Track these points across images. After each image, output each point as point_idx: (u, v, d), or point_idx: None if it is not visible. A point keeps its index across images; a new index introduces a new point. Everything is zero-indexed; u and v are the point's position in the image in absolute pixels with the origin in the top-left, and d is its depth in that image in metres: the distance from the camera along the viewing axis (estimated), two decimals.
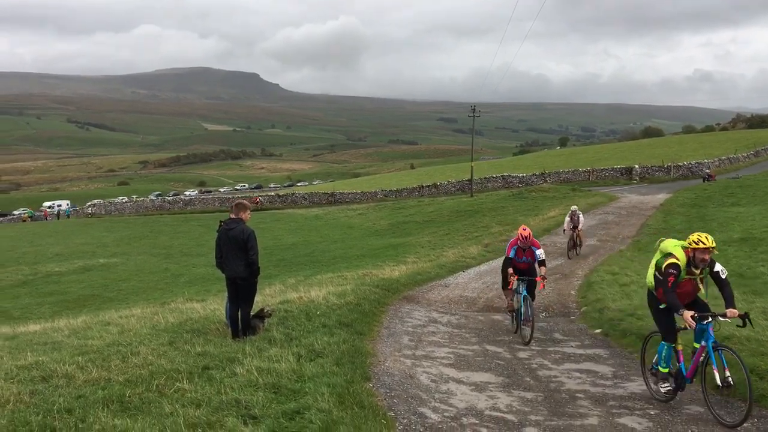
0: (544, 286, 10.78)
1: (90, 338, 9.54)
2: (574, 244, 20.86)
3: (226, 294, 9.25)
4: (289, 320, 9.92)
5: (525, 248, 10.81)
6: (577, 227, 20.88)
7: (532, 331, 10.18)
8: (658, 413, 6.67)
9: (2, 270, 33.90)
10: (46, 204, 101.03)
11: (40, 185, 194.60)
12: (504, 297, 11.96)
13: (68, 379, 6.96)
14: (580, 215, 21.13)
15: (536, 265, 10.94)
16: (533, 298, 10.83)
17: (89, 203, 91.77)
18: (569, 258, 20.19)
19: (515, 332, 10.95)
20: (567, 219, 21.29)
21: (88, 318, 13.33)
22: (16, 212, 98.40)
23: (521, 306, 10.62)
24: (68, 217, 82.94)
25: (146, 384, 6.70)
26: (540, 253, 10.73)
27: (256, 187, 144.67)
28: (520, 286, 10.74)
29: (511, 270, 10.83)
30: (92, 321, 12.22)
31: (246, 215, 8.93)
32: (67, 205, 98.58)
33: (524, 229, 10.76)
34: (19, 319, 18.78)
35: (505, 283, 11.28)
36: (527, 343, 10.00)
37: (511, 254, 10.94)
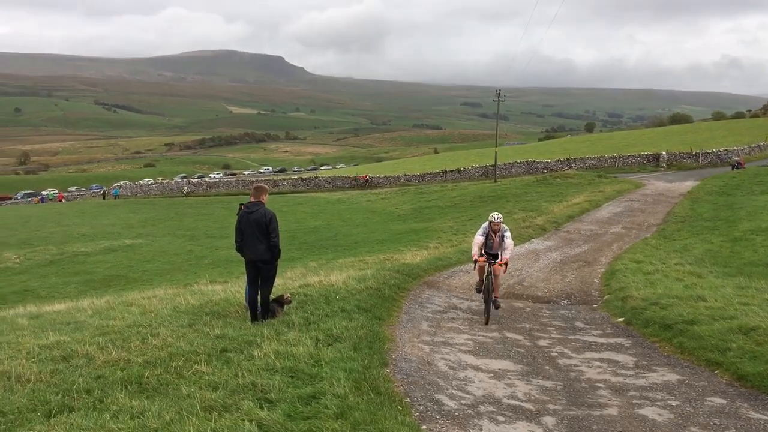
0: None
1: (112, 319, 9.64)
2: (487, 282, 10.90)
3: (245, 277, 9.29)
4: (308, 304, 9.92)
5: None
6: (498, 256, 11.09)
7: None
8: (679, 404, 6.55)
9: (31, 249, 34.48)
10: (22, 192, 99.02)
11: (68, 166, 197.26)
12: None
13: (88, 360, 7.06)
14: (507, 233, 11.17)
15: None
16: None
17: (164, 180, 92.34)
18: (486, 324, 10.44)
19: None
20: (479, 237, 11.25)
21: (111, 298, 13.48)
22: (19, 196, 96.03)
23: None
24: (115, 197, 79.26)
25: (165, 365, 6.77)
26: None
27: (279, 170, 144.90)
28: None
29: None
30: (115, 301, 12.35)
31: (265, 198, 8.94)
32: (55, 192, 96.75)
33: None
34: (46, 298, 19.10)
35: None
36: None
37: None
